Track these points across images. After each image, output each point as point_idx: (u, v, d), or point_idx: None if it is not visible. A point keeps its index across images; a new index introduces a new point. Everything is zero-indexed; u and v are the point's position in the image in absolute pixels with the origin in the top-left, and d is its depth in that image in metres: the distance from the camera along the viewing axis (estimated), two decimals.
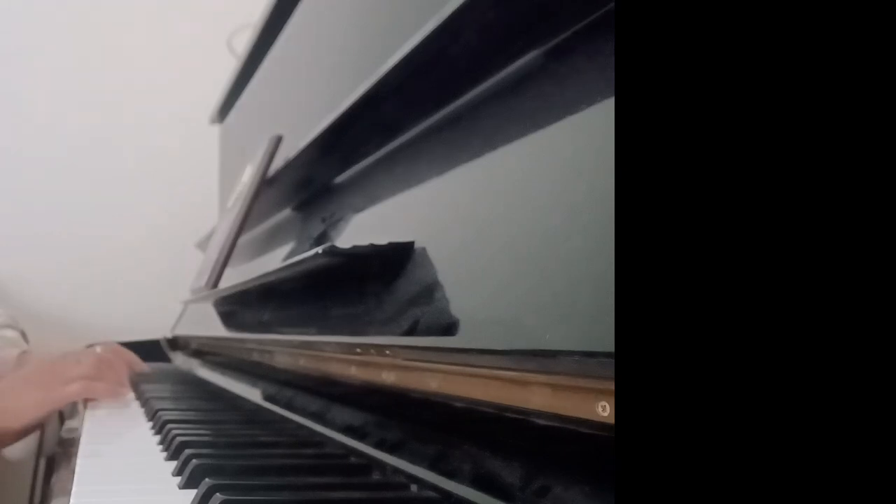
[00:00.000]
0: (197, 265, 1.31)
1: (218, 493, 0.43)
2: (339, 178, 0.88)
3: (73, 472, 0.58)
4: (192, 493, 0.47)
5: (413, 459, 0.48)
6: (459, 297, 0.43)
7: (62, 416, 1.12)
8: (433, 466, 0.45)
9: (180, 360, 1.65)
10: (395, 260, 0.52)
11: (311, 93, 1.07)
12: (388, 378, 0.52)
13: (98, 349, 1.21)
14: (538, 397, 0.35)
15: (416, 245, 0.51)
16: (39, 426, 1.03)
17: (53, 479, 0.72)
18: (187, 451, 0.56)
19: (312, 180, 0.97)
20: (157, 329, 1.76)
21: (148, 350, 1.63)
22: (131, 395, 1.09)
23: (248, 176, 1.08)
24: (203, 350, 1.44)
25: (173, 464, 0.58)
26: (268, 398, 0.87)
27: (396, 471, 0.49)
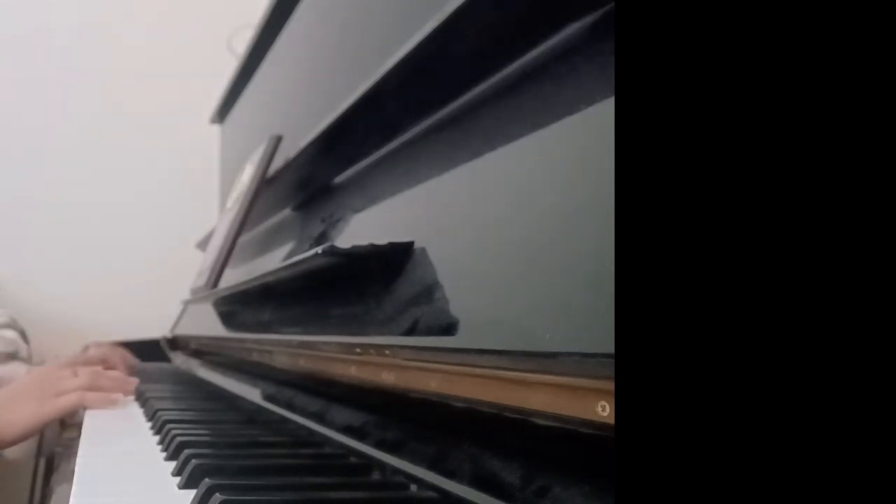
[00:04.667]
0: (197, 265, 1.31)
1: (217, 493, 0.43)
2: (339, 178, 0.88)
3: (72, 472, 0.58)
4: (191, 493, 0.47)
5: (413, 459, 0.48)
6: (459, 297, 0.43)
7: (63, 421, 1.12)
8: (433, 466, 0.45)
9: (180, 360, 1.65)
10: (394, 260, 0.52)
11: (311, 93, 1.07)
12: (388, 378, 0.52)
13: (91, 350, 1.22)
14: (538, 397, 0.35)
15: (416, 245, 0.51)
16: (35, 434, 1.03)
17: (53, 479, 0.72)
18: (187, 451, 0.56)
19: (312, 180, 0.97)
20: (157, 329, 1.76)
21: (148, 350, 1.64)
22: (131, 396, 1.09)
23: (247, 176, 1.08)
24: (203, 350, 1.44)
25: (173, 464, 0.58)
26: (267, 398, 0.87)
27: (396, 471, 0.49)
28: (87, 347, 1.39)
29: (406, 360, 0.48)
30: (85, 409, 0.96)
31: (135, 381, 1.07)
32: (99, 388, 0.98)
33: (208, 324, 1.28)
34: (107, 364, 1.25)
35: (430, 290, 0.46)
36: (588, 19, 0.43)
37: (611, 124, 0.34)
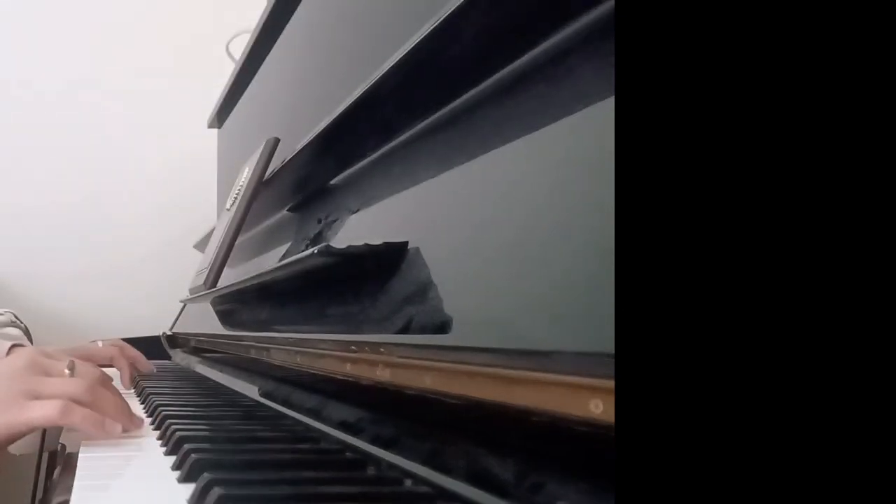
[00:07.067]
0: (196, 265, 1.31)
1: (216, 487, 0.44)
2: (336, 180, 0.88)
3: (75, 466, 0.59)
4: (191, 487, 0.47)
5: (407, 455, 0.48)
6: (454, 295, 0.44)
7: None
8: (427, 462, 0.46)
9: (179, 357, 1.65)
10: (389, 259, 0.53)
11: (308, 97, 1.07)
12: (383, 375, 0.52)
13: (100, 343, 1.06)
14: (531, 395, 0.35)
15: (411, 245, 0.52)
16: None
17: (56, 474, 0.72)
18: (186, 446, 0.57)
19: (309, 182, 0.98)
20: (157, 327, 1.77)
21: (149, 346, 1.64)
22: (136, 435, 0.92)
23: (245, 177, 1.08)
24: (201, 347, 1.44)
25: (173, 458, 0.58)
26: (265, 394, 0.87)
27: (391, 466, 0.49)
28: (93, 341, 1.14)
29: (401, 357, 0.48)
30: (65, 427, 0.67)
31: (140, 421, 0.77)
32: (96, 405, 0.71)
33: (207, 322, 1.28)
34: (112, 364, 1.05)
35: (424, 289, 0.47)
36: (587, 19, 0.43)
37: (609, 125, 0.34)
